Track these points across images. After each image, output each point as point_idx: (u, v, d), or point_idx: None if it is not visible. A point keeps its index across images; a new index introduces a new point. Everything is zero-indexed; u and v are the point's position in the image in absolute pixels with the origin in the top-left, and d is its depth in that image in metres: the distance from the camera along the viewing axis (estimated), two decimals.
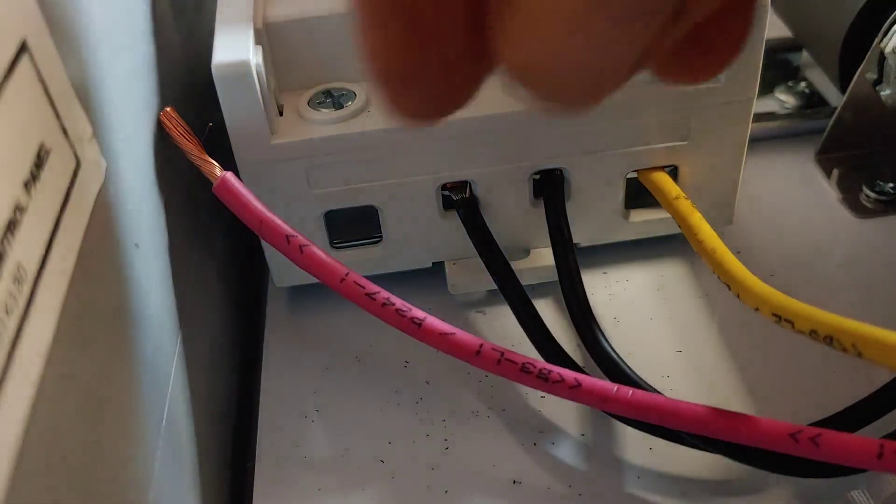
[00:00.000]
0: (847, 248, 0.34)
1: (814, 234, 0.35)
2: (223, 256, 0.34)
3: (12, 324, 0.15)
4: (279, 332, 0.33)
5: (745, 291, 0.24)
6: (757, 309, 0.24)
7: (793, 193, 0.37)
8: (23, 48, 0.17)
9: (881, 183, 0.36)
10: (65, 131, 0.19)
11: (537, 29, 0.12)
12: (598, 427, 0.28)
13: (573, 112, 0.14)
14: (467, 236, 0.31)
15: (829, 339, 0.21)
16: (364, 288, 0.25)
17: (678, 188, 0.30)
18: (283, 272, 0.32)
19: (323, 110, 0.29)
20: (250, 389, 0.32)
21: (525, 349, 0.27)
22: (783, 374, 0.29)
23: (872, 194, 0.35)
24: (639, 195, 0.32)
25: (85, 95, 0.20)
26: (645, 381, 0.26)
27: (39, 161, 0.17)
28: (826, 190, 0.37)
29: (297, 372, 0.31)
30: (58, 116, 0.19)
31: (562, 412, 0.29)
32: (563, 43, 0.12)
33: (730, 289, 0.25)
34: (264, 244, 0.31)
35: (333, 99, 0.29)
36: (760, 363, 0.30)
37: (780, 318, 0.23)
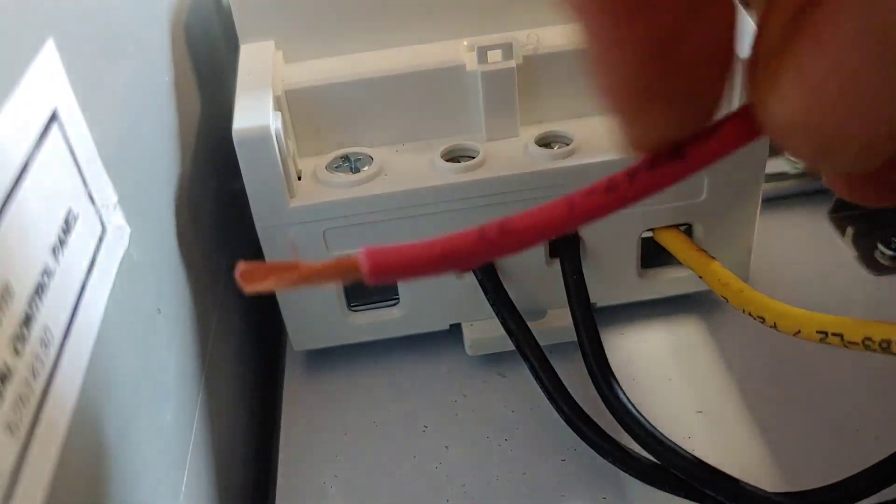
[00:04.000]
0: (864, 305, 0.34)
1: (830, 292, 0.35)
2: (242, 321, 0.34)
3: (39, 386, 0.15)
4: (297, 396, 0.33)
5: (783, 318, 0.24)
6: (798, 332, 0.23)
7: (808, 251, 0.37)
8: (53, 117, 0.18)
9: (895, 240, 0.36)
10: (91, 198, 0.19)
11: (812, 88, 0.11)
12: (618, 490, 0.28)
13: (844, 169, 0.13)
14: (484, 297, 0.31)
15: (887, 344, 0.20)
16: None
17: (693, 242, 0.30)
18: (301, 336, 0.32)
19: (340, 174, 0.29)
20: (268, 455, 0.32)
21: (543, 410, 0.27)
22: (805, 433, 0.29)
23: (888, 251, 0.35)
24: (655, 255, 0.32)
25: (110, 162, 0.21)
26: (668, 439, 0.26)
27: (67, 227, 0.18)
28: (841, 247, 0.37)
29: (316, 438, 0.31)
30: (85, 183, 0.19)
31: (582, 475, 0.28)
32: (840, 102, 0.11)
33: (764, 321, 0.25)
34: (282, 306, 0.31)
35: (350, 163, 0.30)
36: (783, 422, 0.30)
37: (826, 334, 0.22)
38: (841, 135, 0.11)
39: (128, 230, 0.22)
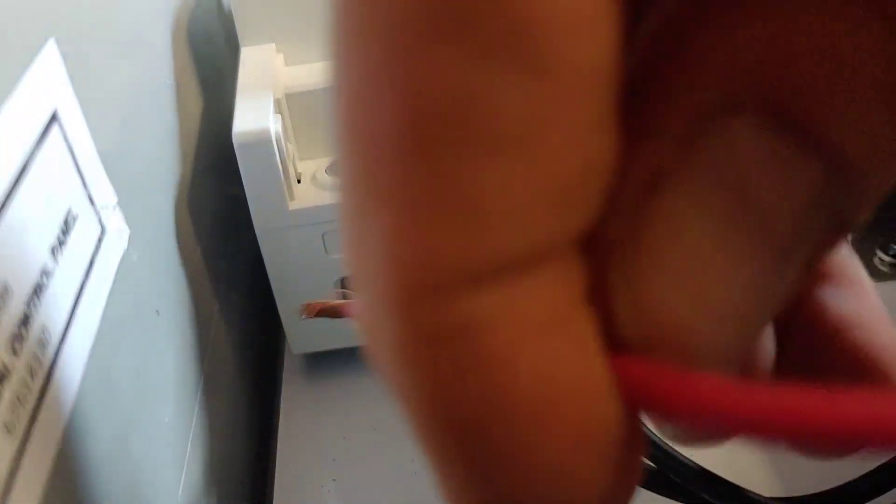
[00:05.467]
0: None
1: None
2: (241, 323, 0.34)
3: (36, 386, 0.15)
4: (295, 399, 0.33)
5: None
6: None
7: None
8: (53, 118, 0.18)
9: (894, 246, 0.36)
10: (91, 199, 0.19)
11: (676, 290, 0.08)
12: None
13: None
14: None
15: None
16: None
17: None
18: (300, 339, 0.32)
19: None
20: (266, 457, 0.32)
21: None
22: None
23: (886, 258, 0.35)
24: None
25: (110, 164, 0.21)
26: (667, 444, 0.26)
27: (66, 227, 0.18)
28: None
29: (313, 441, 0.31)
30: (85, 184, 0.19)
31: None
32: (709, 303, 0.08)
33: None
34: (281, 310, 0.31)
35: None
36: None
37: None
38: (711, 340, 0.09)
39: (127, 231, 0.22)
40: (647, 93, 0.08)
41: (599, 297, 0.08)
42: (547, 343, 0.08)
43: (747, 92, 0.08)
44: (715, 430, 0.08)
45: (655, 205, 0.08)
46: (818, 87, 0.07)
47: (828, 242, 0.09)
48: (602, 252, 0.08)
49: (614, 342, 0.08)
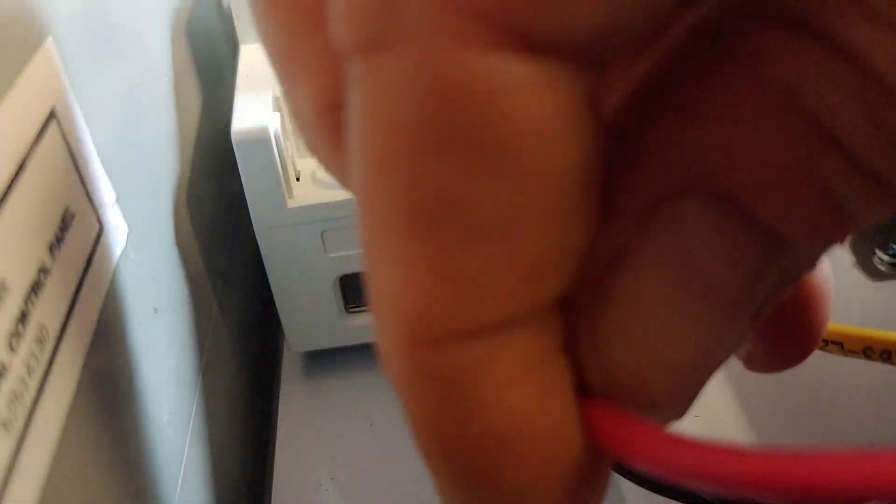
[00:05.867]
0: (862, 310, 0.34)
1: None
2: (240, 321, 0.34)
3: (34, 384, 0.15)
4: (293, 397, 0.33)
5: None
6: None
7: None
8: (51, 116, 0.18)
9: (894, 246, 0.36)
10: (89, 196, 0.19)
11: (635, 339, 0.10)
12: (616, 494, 0.28)
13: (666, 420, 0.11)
14: None
15: (888, 354, 0.20)
16: None
17: None
18: (298, 337, 0.32)
19: None
20: (264, 455, 0.32)
21: None
22: (801, 438, 0.29)
23: (886, 257, 0.35)
24: None
25: (108, 162, 0.21)
26: None
27: (64, 224, 0.18)
28: (839, 254, 0.37)
29: (312, 439, 0.31)
30: (83, 182, 0.19)
31: None
32: (666, 349, 0.10)
33: None
34: (280, 308, 0.31)
35: None
36: (779, 427, 0.30)
37: (826, 342, 0.22)
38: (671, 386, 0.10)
39: (125, 229, 0.22)
40: (615, 177, 0.09)
41: (573, 347, 0.10)
42: (521, 388, 0.09)
43: (695, 181, 0.09)
44: (649, 472, 0.09)
45: (617, 275, 0.09)
46: (753, 179, 0.09)
47: (777, 295, 0.10)
48: (574, 312, 0.10)
49: (585, 386, 0.10)
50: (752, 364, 0.14)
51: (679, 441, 0.09)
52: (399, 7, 0.08)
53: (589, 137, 0.08)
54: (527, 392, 0.09)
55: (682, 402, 0.10)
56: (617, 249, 0.09)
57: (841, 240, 0.09)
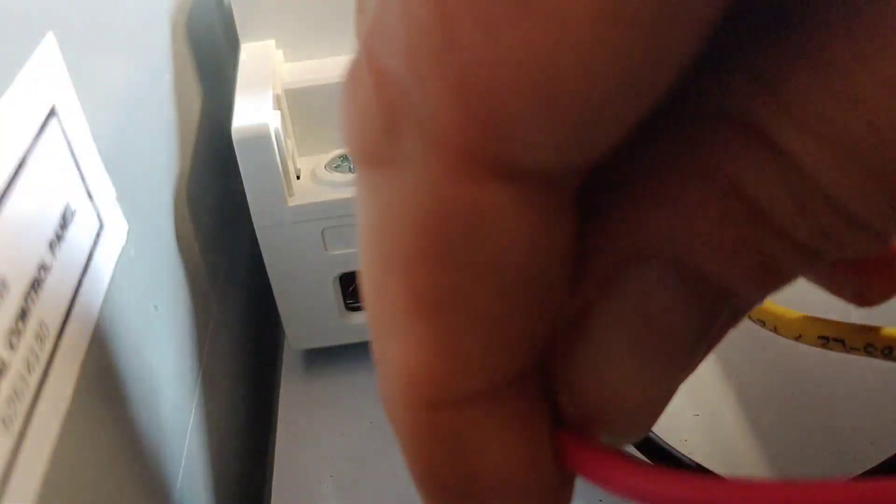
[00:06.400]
0: (862, 308, 0.34)
1: (829, 294, 0.35)
2: (240, 320, 0.34)
3: (33, 381, 0.15)
4: (293, 395, 0.33)
5: (783, 323, 0.24)
6: (799, 337, 0.23)
7: None
8: (52, 112, 0.18)
9: None
10: (89, 193, 0.19)
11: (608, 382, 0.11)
12: None
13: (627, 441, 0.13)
14: None
15: (889, 350, 0.20)
16: None
17: None
18: (298, 335, 0.32)
19: (339, 173, 0.29)
20: (264, 454, 0.32)
21: None
22: (801, 437, 0.29)
23: None
24: None
25: (109, 159, 0.21)
26: (664, 441, 0.26)
27: (64, 221, 0.18)
28: None
29: (312, 437, 0.31)
30: (83, 179, 0.19)
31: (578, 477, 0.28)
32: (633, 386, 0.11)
33: (764, 325, 0.24)
34: (279, 306, 0.31)
35: (350, 162, 0.30)
36: (780, 426, 0.30)
37: (827, 339, 0.22)
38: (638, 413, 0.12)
39: (125, 226, 0.22)
40: (582, 245, 0.11)
41: (550, 384, 0.12)
42: (506, 436, 0.11)
43: (653, 248, 0.10)
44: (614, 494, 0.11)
45: (584, 328, 0.11)
46: (704, 249, 0.10)
47: (728, 327, 0.12)
48: (549, 356, 0.11)
49: (560, 414, 0.12)
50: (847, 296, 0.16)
51: (638, 468, 0.11)
52: (398, 139, 0.09)
53: (565, 235, 0.10)
54: (510, 439, 0.11)
55: (643, 426, 0.12)
56: (583, 305, 0.11)
57: (785, 286, 0.11)
